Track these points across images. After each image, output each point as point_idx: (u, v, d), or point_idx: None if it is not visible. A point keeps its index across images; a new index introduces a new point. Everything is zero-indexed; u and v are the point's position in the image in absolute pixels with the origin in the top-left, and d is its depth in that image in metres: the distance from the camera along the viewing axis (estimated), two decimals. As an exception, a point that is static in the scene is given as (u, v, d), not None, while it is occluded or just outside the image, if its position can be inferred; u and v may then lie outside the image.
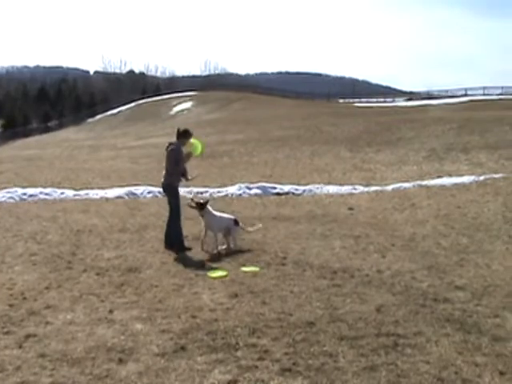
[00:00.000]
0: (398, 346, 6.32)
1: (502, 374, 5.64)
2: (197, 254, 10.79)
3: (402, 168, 26.75)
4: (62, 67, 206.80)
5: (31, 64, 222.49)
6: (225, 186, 21.92)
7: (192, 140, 11.59)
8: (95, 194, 20.30)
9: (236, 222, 11.32)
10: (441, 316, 7.30)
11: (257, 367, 5.78)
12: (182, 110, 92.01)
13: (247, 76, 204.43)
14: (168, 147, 11.33)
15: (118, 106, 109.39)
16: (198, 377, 5.57)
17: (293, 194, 20.63)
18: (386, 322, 7.06)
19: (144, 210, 16.28)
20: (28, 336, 6.64)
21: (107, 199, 19.17)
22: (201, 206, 11.06)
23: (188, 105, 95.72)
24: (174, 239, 11.12)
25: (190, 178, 11.72)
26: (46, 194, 19.81)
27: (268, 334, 6.68)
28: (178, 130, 11.44)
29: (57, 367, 5.80)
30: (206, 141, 42.98)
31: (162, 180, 11.41)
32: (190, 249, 11.05)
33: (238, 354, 6.12)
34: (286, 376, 5.59)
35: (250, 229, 11.76)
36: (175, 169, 11.21)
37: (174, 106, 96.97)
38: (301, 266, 9.81)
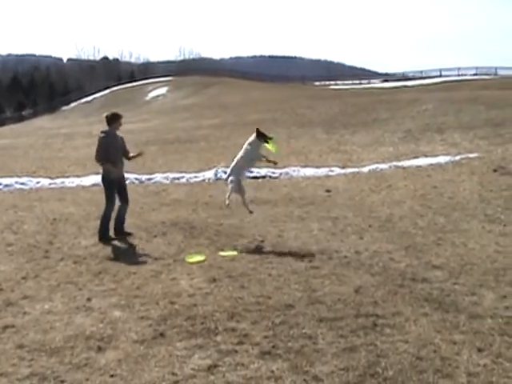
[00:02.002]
0: (377, 326, 6.36)
1: (479, 350, 5.70)
2: (174, 240, 10.75)
3: (378, 149, 26.79)
4: (34, 55, 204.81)
5: (3, 52, 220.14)
6: (201, 170, 21.83)
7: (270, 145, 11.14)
8: (71, 182, 20.15)
9: None
10: (419, 295, 7.35)
11: (236, 351, 5.78)
12: (158, 96, 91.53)
13: (222, 60, 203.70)
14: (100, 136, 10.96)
15: (93, 93, 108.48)
16: (178, 362, 5.56)
17: (270, 177, 20.61)
18: (364, 303, 7.09)
19: (121, 197, 16.15)
20: (5, 327, 6.59)
21: (83, 187, 19.03)
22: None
23: (163, 90, 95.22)
24: (100, 224, 10.96)
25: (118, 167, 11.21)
26: (22, 184, 19.62)
27: (247, 317, 6.69)
28: (107, 117, 11.03)
29: (35, 357, 5.76)
30: (182, 126, 42.93)
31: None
32: (113, 238, 10.91)
33: (218, 338, 6.12)
34: (266, 359, 5.60)
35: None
36: (104, 158, 10.78)
37: (149, 91, 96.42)
38: (279, 249, 9.82)
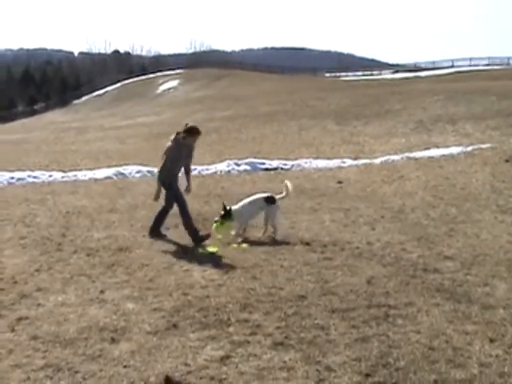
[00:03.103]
0: (389, 316, 6.36)
1: (491, 341, 5.69)
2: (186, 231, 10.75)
3: (390, 140, 26.76)
4: (45, 49, 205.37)
5: (14, 47, 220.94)
6: (213, 163, 21.86)
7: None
8: (83, 175, 20.20)
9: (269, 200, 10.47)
10: (431, 286, 7.35)
11: (249, 342, 5.80)
12: (169, 89, 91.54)
13: (233, 53, 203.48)
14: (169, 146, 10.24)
15: (104, 87, 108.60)
16: (191, 353, 5.58)
17: (281, 169, 20.64)
18: (376, 294, 7.10)
19: (133, 190, 16.22)
20: (20, 319, 6.62)
21: (96, 180, 19.09)
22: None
23: (175, 83, 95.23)
24: (189, 232, 10.30)
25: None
26: (34, 177, 19.69)
27: (259, 308, 6.71)
28: (186, 125, 10.29)
29: (49, 349, 5.79)
30: (194, 118, 42.97)
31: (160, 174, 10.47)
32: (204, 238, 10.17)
33: (230, 329, 6.14)
34: (279, 350, 5.62)
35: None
36: (171, 167, 10.23)
37: (161, 84, 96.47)
38: (291, 241, 9.84)
